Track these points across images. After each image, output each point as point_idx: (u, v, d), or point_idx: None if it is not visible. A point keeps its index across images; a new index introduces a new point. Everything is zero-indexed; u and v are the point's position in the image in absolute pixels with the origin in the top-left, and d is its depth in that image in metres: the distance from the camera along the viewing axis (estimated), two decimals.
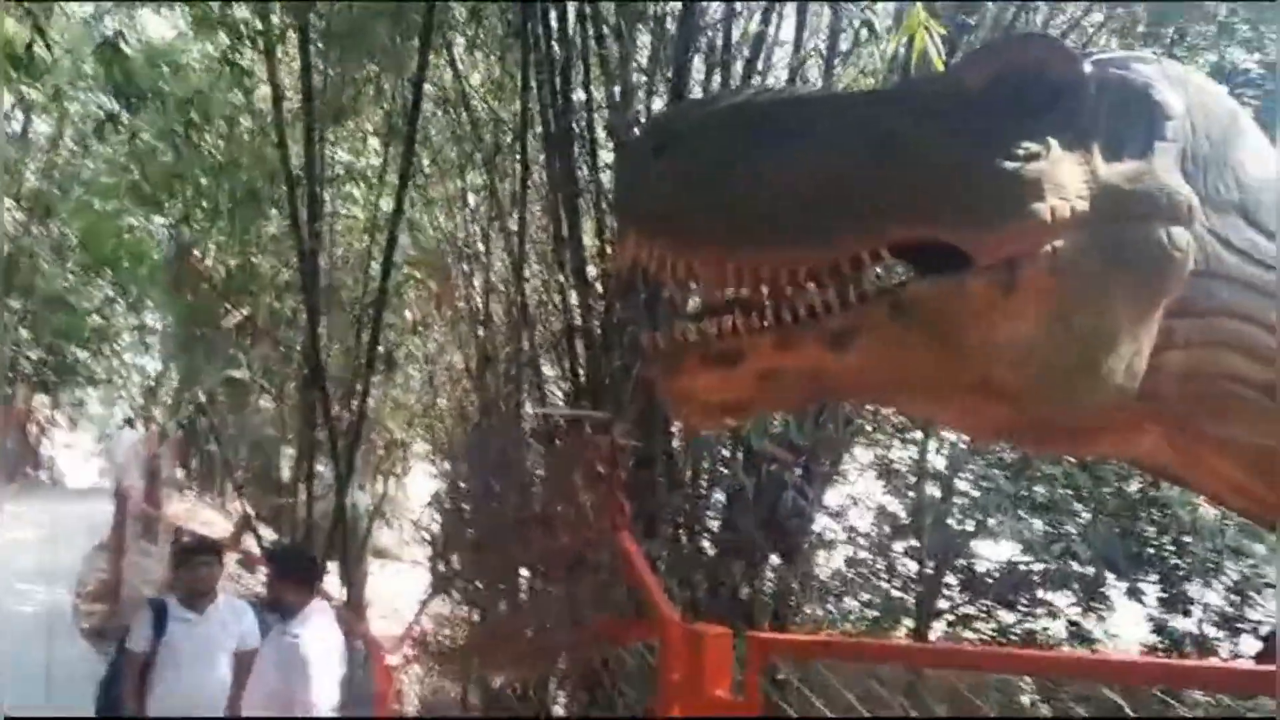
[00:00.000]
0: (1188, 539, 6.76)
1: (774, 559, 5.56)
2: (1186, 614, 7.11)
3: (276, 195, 7.50)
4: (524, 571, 3.00)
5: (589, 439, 2.43)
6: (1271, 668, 1.23)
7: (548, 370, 5.73)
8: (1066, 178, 1.90)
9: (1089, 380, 1.89)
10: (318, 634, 4.02)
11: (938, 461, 7.14)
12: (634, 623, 2.39)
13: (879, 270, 2.10)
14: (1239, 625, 6.81)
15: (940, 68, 2.69)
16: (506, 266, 5.91)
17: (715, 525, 5.52)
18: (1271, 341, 1.98)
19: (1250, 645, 6.84)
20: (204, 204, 7.32)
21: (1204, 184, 2.01)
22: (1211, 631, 7.06)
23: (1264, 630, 6.75)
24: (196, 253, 7.80)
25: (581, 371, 5.27)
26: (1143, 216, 1.91)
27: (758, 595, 5.38)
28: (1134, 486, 7.13)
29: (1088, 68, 1.99)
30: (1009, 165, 1.90)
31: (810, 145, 1.95)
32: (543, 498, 2.65)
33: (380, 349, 6.31)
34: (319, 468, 6.93)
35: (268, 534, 8.63)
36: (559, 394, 5.61)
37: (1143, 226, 1.91)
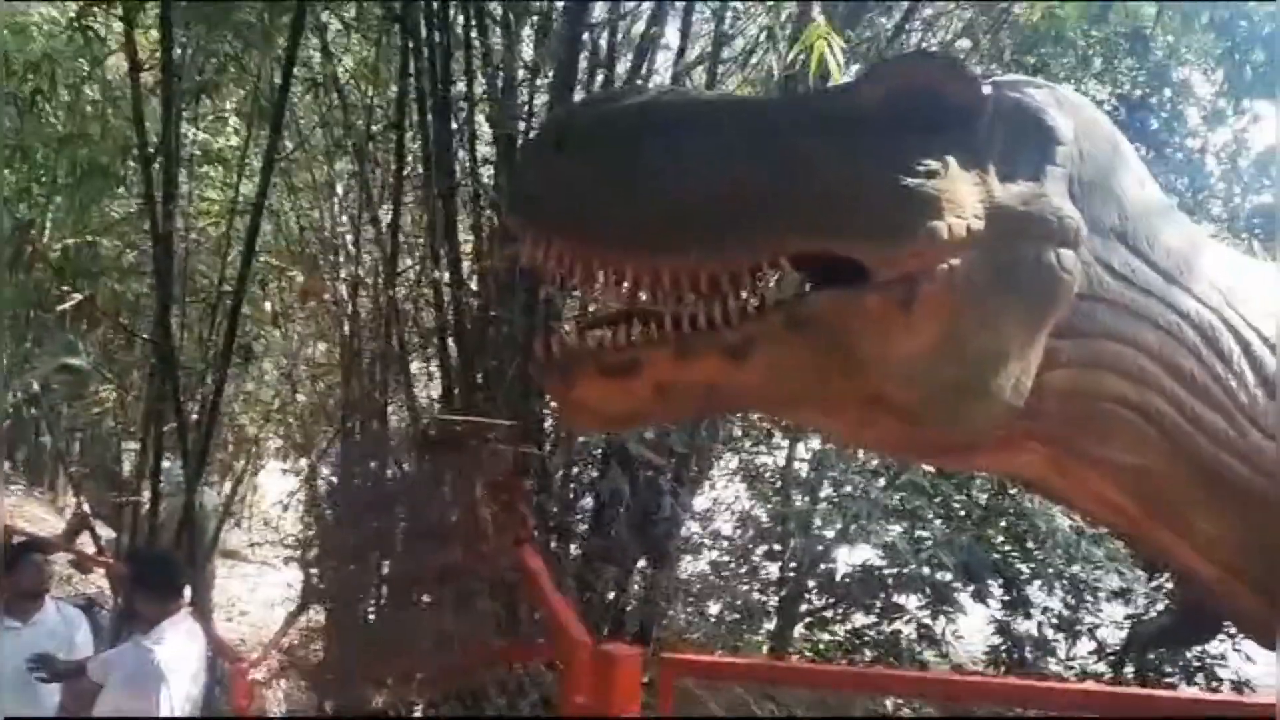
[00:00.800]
0: (1031, 545, 7.10)
1: (641, 564, 5.54)
2: (1028, 616, 7.44)
3: (124, 172, 7.04)
4: (410, 586, 2.85)
5: (491, 449, 2.33)
6: (1265, 700, 1.25)
7: (418, 368, 5.55)
8: (964, 197, 1.93)
9: (979, 398, 1.92)
10: (177, 648, 3.76)
11: (802, 468, 7.28)
12: (537, 643, 2.30)
13: (776, 284, 2.09)
14: (1077, 628, 7.19)
15: (839, 79, 2.72)
16: (376, 260, 5.70)
17: (584, 530, 5.46)
18: (1148, 365, 2.05)
19: (1085, 646, 7.23)
20: (43, 178, 6.80)
21: (1088, 209, 2.07)
22: (1050, 634, 7.41)
23: (1100, 634, 7.15)
24: (34, 231, 7.24)
25: (453, 371, 5.13)
26: (1035, 238, 1.96)
27: (626, 601, 5.35)
28: (984, 497, 7.45)
29: (986, 89, 2.02)
30: (909, 182, 1.91)
31: (712, 152, 1.92)
32: (435, 510, 2.52)
33: (237, 340, 5.99)
34: (165, 463, 6.52)
35: (106, 532, 8.10)
36: (429, 394, 5.45)
37: (1035, 248, 1.95)
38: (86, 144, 6.19)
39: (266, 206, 5.68)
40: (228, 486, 11.11)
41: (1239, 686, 6.64)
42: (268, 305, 7.03)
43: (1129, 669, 6.87)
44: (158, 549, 5.66)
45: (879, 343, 1.91)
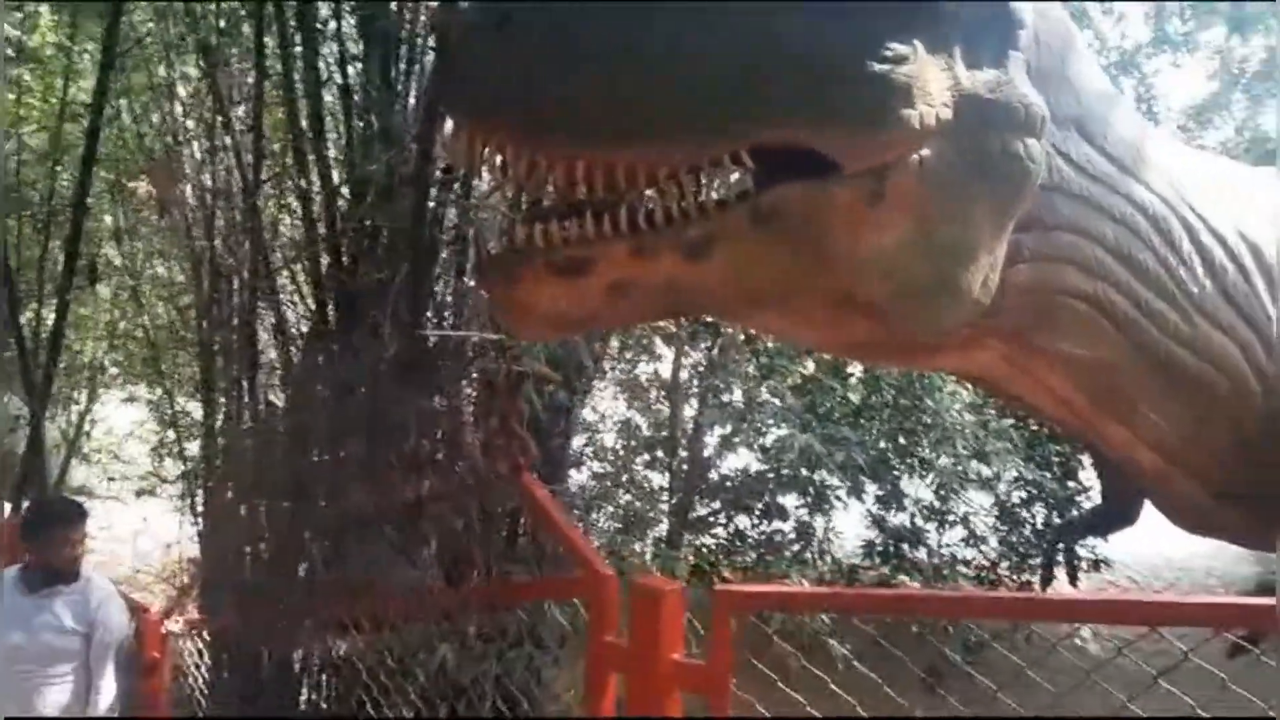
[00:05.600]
0: (903, 441, 7.35)
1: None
2: (901, 509, 7.75)
3: None
4: (377, 521, 2.62)
5: (481, 366, 2.12)
6: (1266, 601, 1.23)
7: (287, 283, 5.19)
8: (933, 84, 1.82)
9: (951, 294, 1.85)
10: (107, 589, 3.46)
11: (686, 376, 7.28)
12: (554, 579, 2.14)
13: (737, 180, 1.96)
14: (947, 517, 7.54)
15: None
16: (233, 168, 5.25)
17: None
18: (1104, 257, 2.02)
19: (956, 535, 7.60)
20: None
21: (1046, 97, 2.00)
22: (921, 523, 7.75)
23: (973, 523, 7.50)
24: None
25: (327, 286, 4.80)
26: (1002, 127, 1.88)
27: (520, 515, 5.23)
28: (856, 397, 7.64)
29: None
30: (879, 68, 1.79)
31: (671, 35, 1.75)
32: (407, 435, 2.30)
33: (80, 259, 5.45)
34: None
35: None
36: (299, 309, 5.11)
37: (1002, 137, 1.87)
38: None
39: (104, 109, 5.13)
40: (63, 419, 10.35)
41: (1097, 563, 7.14)
42: (108, 219, 6.44)
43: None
44: (58, 494, 5.30)
45: (848, 238, 1.81)
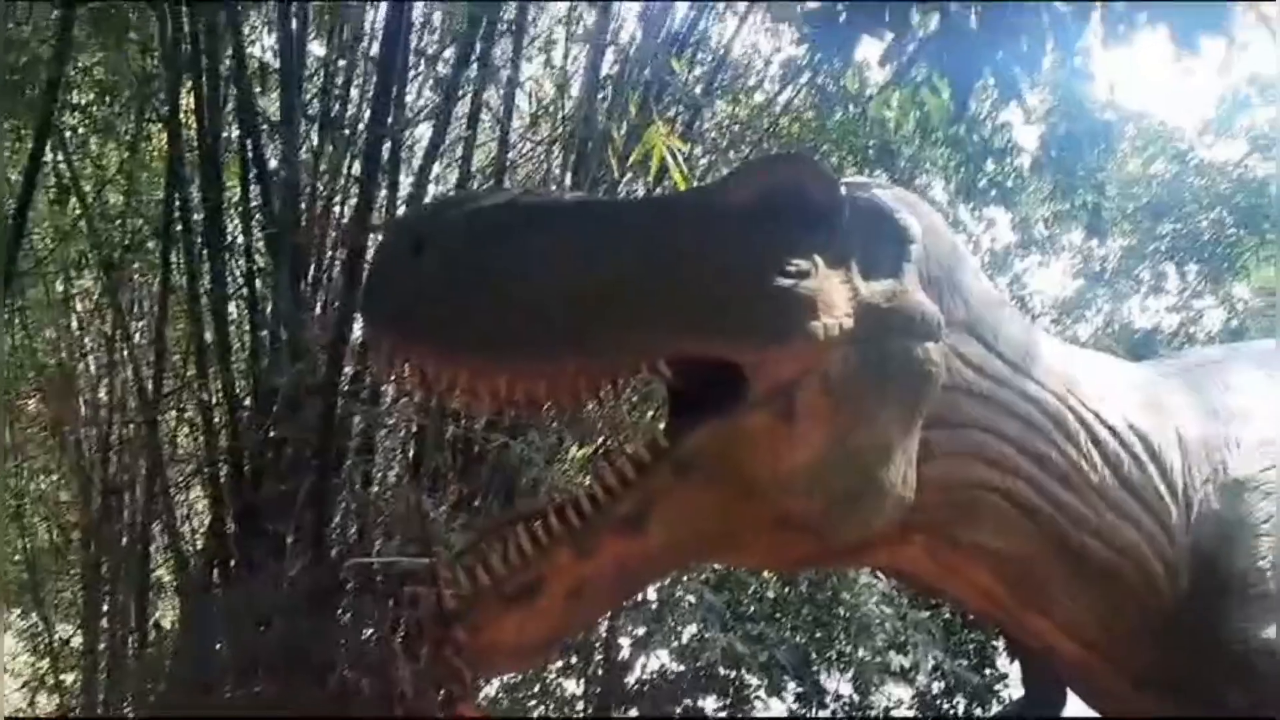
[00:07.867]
0: (819, 633, 7.26)
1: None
2: (822, 706, 7.57)
3: None
4: None
5: (410, 593, 2.04)
6: None
7: (190, 498, 5.01)
8: (834, 296, 1.94)
9: (874, 497, 1.91)
10: None
11: None
12: None
13: (655, 434, 2.03)
14: (869, 712, 7.37)
15: (681, 183, 2.73)
16: (132, 383, 5.15)
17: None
18: (1009, 451, 2.11)
19: None
20: None
21: (939, 303, 2.14)
22: None
23: (896, 714, 7.36)
24: None
25: (226, 501, 4.66)
26: (902, 334, 1.99)
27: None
28: (772, 592, 7.57)
29: (843, 189, 2.06)
30: (784, 282, 1.90)
31: (585, 252, 1.84)
32: (332, 667, 2.16)
33: None
34: None
35: None
36: (199, 526, 4.92)
37: (902, 343, 1.98)
38: None
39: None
40: None
41: None
42: None
43: None
44: None
45: (770, 461, 1.88)
